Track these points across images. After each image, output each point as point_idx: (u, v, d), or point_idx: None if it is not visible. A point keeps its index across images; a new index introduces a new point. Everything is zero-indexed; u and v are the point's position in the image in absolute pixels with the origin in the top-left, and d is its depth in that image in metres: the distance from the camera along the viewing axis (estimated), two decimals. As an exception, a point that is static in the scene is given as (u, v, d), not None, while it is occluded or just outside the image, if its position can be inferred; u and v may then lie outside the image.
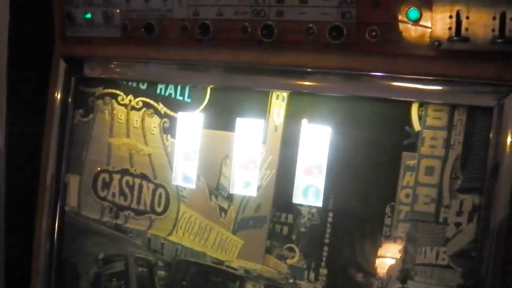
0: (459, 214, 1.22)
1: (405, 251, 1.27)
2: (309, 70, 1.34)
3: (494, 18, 1.14)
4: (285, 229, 1.38)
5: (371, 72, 1.28)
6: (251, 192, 1.41)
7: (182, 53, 1.46)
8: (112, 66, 1.56)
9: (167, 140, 1.51)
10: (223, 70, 1.43)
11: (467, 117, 1.22)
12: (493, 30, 1.14)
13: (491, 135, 1.19)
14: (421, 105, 1.26)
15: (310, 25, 1.31)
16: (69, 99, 1.60)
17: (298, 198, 1.37)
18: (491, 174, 1.18)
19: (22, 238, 1.63)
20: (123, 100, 1.56)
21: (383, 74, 1.27)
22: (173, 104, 1.51)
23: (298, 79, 1.35)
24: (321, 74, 1.33)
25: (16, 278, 1.66)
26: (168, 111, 1.51)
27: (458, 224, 1.22)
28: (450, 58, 1.20)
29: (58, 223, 1.61)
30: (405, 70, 1.25)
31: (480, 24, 1.15)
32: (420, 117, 1.26)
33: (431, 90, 1.24)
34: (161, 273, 1.50)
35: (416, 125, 1.26)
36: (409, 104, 1.27)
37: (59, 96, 1.59)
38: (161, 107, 1.51)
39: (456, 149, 1.23)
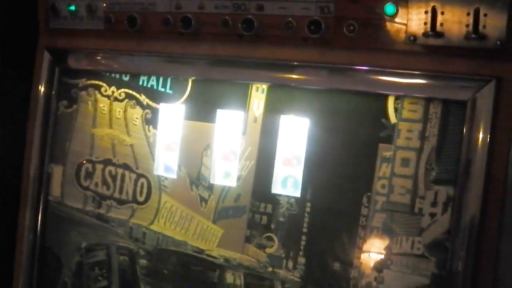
0: (434, 205, 1.24)
1: (381, 240, 1.29)
2: (288, 63, 1.35)
3: (468, 14, 1.16)
4: (264, 219, 1.39)
5: (349, 66, 1.30)
6: (231, 182, 1.42)
7: (164, 46, 1.47)
8: (96, 58, 1.57)
9: (149, 131, 1.52)
10: (204, 63, 1.44)
11: (442, 110, 1.24)
12: (467, 26, 1.16)
13: (464, 128, 1.21)
14: (397, 98, 1.27)
15: (289, 19, 1.32)
16: (53, 91, 1.61)
17: (277, 188, 1.38)
18: (464, 167, 1.20)
19: (5, 229, 1.65)
20: (106, 91, 1.57)
21: (360, 68, 1.29)
22: (155, 96, 1.52)
23: (277, 72, 1.37)
24: (300, 68, 1.35)
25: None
26: (150, 102, 1.52)
27: (432, 215, 1.24)
28: (425, 53, 1.22)
29: (41, 213, 1.62)
30: (382, 64, 1.27)
31: (455, 20, 1.17)
32: (396, 110, 1.27)
33: (407, 84, 1.25)
34: (143, 261, 1.51)
35: (392, 117, 1.28)
36: (385, 97, 1.28)
37: (43, 88, 1.60)
38: (143, 98, 1.53)
39: (431, 141, 1.24)
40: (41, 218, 1.62)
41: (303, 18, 1.31)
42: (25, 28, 1.62)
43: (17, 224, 1.64)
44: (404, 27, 1.24)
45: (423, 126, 1.25)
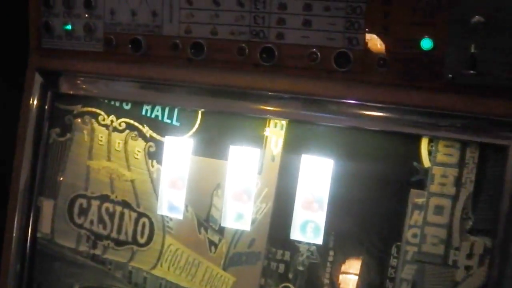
0: (470, 257, 1.17)
1: None
2: (310, 98, 1.27)
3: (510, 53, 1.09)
4: (281, 267, 1.31)
5: (379, 103, 1.22)
6: (245, 225, 1.34)
7: (171, 73, 1.37)
8: (93, 82, 1.46)
9: (153, 165, 1.43)
10: (215, 93, 1.35)
11: (480, 155, 1.17)
12: (509, 65, 1.09)
13: (505, 175, 1.13)
14: (431, 140, 1.21)
15: (313, 50, 1.24)
16: (44, 116, 1.51)
17: (296, 234, 1.30)
18: (506, 216, 1.13)
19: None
20: (104, 120, 1.47)
21: (391, 106, 1.21)
22: (160, 127, 1.42)
23: (298, 107, 1.28)
24: (323, 103, 1.26)
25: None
26: (154, 135, 1.43)
27: (468, 268, 1.17)
28: (463, 92, 1.15)
29: (28, 251, 1.52)
30: (415, 102, 1.19)
31: (496, 59, 1.10)
32: (430, 153, 1.21)
33: (442, 125, 1.18)
34: None
35: (426, 161, 1.21)
36: (418, 139, 1.21)
37: (33, 113, 1.50)
38: (146, 129, 1.43)
39: (468, 188, 1.18)
40: (28, 257, 1.52)
41: (329, 49, 1.22)
42: (14, 45, 1.54)
43: (0, 262, 1.54)
44: (440, 63, 1.15)
45: (459, 171, 1.19)
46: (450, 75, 1.14)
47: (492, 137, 1.15)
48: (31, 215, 1.51)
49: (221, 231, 1.36)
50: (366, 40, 1.20)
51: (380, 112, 1.22)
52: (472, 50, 1.11)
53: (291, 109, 1.28)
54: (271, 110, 1.30)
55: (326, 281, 1.28)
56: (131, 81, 1.42)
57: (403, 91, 1.19)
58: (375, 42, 1.19)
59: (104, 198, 1.47)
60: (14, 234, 1.51)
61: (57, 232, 1.52)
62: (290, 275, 1.31)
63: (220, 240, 1.36)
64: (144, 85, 1.41)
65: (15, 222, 1.51)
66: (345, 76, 1.22)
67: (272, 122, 1.32)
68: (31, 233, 1.52)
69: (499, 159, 1.15)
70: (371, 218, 1.24)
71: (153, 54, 1.37)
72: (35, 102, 1.50)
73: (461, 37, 1.12)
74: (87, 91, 1.47)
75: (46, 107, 1.50)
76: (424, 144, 1.21)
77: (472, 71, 1.11)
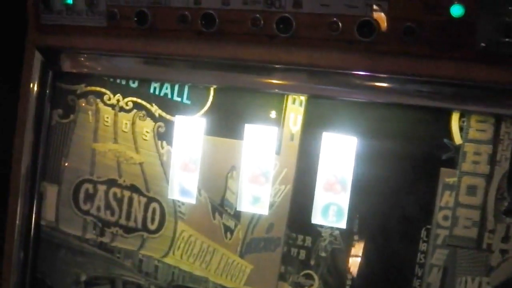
0: (506, 240, 1.13)
1: (442, 280, 1.17)
2: (331, 71, 1.20)
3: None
4: (302, 253, 1.26)
5: (405, 75, 1.15)
6: (262, 209, 1.28)
7: (180, 47, 1.30)
8: (97, 60, 1.40)
9: (162, 147, 1.37)
10: (228, 68, 1.28)
11: None
12: None
13: None
14: (462, 115, 1.15)
15: (334, 19, 1.16)
16: (46, 97, 1.44)
17: (317, 218, 1.25)
18: None
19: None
20: (109, 99, 1.41)
21: (418, 78, 1.14)
22: (170, 106, 1.36)
23: (318, 82, 1.21)
24: (345, 76, 1.19)
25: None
26: (164, 114, 1.37)
27: (504, 252, 1.13)
28: (497, 61, 1.08)
29: (32, 240, 1.46)
30: (445, 74, 1.12)
31: None
32: (461, 129, 1.15)
33: (475, 98, 1.12)
34: None
35: (457, 137, 1.15)
36: (448, 114, 1.16)
37: (33, 94, 1.43)
38: (155, 109, 1.37)
39: (503, 166, 1.13)
40: (32, 246, 1.46)
41: (350, 18, 1.15)
42: (12, 22, 1.46)
43: (3, 252, 1.48)
44: (473, 31, 1.07)
45: (493, 149, 1.14)
46: (483, 44, 1.07)
47: (529, 111, 1.09)
48: (35, 201, 1.46)
49: (237, 216, 1.31)
50: (391, 8, 1.13)
51: (406, 85, 1.15)
52: (507, 18, 1.04)
53: (310, 84, 1.22)
54: (288, 85, 1.24)
55: (351, 268, 1.23)
56: (137, 57, 1.35)
57: (431, 62, 1.13)
58: (400, 10, 1.12)
59: (111, 183, 1.41)
60: (17, 222, 1.46)
61: (62, 219, 1.46)
62: (312, 262, 1.26)
63: (236, 226, 1.31)
64: (151, 61, 1.34)
65: (18, 209, 1.45)
66: (368, 47, 1.15)
67: (290, 98, 1.26)
68: (35, 220, 1.46)
69: (537, 134, 1.10)
70: (398, 200, 1.19)
71: (160, 27, 1.30)
72: (36, 82, 1.43)
73: (495, 2, 1.05)
74: (90, 69, 1.41)
75: (47, 87, 1.44)
76: (455, 120, 1.15)
77: (507, 39, 1.04)
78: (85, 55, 1.40)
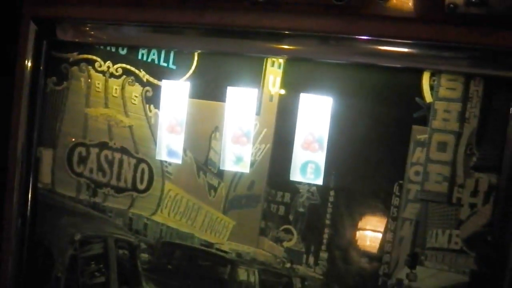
0: (474, 194, 1.16)
1: (414, 234, 1.20)
2: (308, 34, 1.23)
3: (517, -22, 1.04)
4: (282, 209, 1.30)
5: (379, 37, 1.18)
6: (244, 168, 1.32)
7: (165, 15, 1.34)
8: (88, 28, 1.43)
9: (150, 110, 1.41)
10: (211, 34, 1.31)
11: (484, 89, 1.14)
12: None
13: (510, 109, 1.11)
14: (433, 74, 1.18)
15: None
16: (41, 66, 1.48)
17: (295, 175, 1.29)
18: (510, 151, 1.11)
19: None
20: (100, 66, 1.45)
21: (391, 40, 1.17)
22: (157, 71, 1.40)
23: (296, 44, 1.25)
24: (321, 39, 1.23)
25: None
26: (151, 79, 1.41)
27: (472, 205, 1.16)
28: (466, 23, 1.11)
29: (30, 202, 1.51)
30: (416, 35, 1.15)
31: None
32: (432, 88, 1.18)
33: (445, 58, 1.15)
34: (144, 256, 1.42)
35: (428, 96, 1.18)
36: (419, 73, 1.19)
37: (29, 62, 1.47)
38: (143, 74, 1.41)
39: (472, 123, 1.16)
40: (29, 207, 1.51)
41: None
42: None
43: (3, 214, 1.52)
44: None
45: (462, 106, 1.16)
46: (451, 5, 1.09)
47: (498, 69, 1.12)
48: (31, 165, 1.50)
49: (220, 174, 1.34)
50: (365, -28, 1.15)
51: (379, 46, 1.18)
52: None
53: (290, 46, 1.25)
54: (269, 48, 1.27)
55: (327, 222, 1.26)
56: (126, 25, 1.38)
57: (403, 24, 1.16)
58: (374, -27, 1.15)
59: (102, 146, 1.45)
60: (15, 186, 1.49)
61: (57, 182, 1.50)
62: (291, 217, 1.29)
63: (219, 184, 1.34)
64: (139, 28, 1.38)
65: (16, 174, 1.49)
66: (343, 10, 1.18)
67: (269, 61, 1.29)
68: (32, 184, 1.50)
69: (504, 92, 1.12)
70: (372, 156, 1.22)
71: (149, -4, 1.33)
72: (31, 51, 1.47)
73: (463, -36, 1.07)
74: (83, 37, 1.44)
75: (42, 56, 1.47)
76: (425, 78, 1.18)
77: (474, 0, 1.07)
78: (78, 24, 1.43)
